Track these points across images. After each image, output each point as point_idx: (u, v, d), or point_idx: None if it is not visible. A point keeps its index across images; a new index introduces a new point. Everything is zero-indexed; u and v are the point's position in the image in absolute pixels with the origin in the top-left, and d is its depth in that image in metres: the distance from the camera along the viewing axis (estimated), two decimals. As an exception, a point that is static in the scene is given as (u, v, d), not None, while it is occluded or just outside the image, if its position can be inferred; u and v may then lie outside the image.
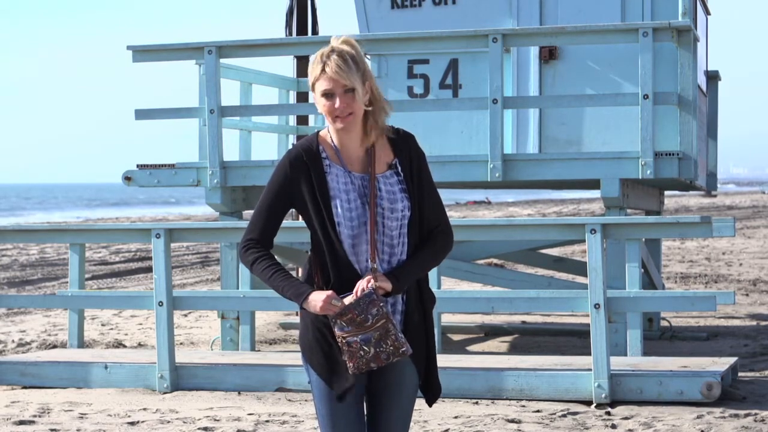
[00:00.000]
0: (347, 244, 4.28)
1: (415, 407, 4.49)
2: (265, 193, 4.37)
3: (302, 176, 4.32)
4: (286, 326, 13.15)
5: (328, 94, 4.26)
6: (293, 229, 9.23)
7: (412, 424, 4.51)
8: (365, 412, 4.43)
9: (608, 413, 8.40)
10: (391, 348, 4.23)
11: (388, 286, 4.25)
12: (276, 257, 4.42)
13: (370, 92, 4.31)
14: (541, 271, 16.66)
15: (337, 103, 4.26)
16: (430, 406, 4.51)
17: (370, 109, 4.32)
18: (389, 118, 4.39)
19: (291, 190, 4.33)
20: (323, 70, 4.25)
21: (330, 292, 4.24)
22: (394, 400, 4.38)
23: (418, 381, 4.40)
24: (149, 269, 20.02)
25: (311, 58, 4.33)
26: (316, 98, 4.31)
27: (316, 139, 4.38)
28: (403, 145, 4.40)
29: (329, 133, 4.37)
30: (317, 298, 4.24)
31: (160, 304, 9.55)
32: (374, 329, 4.23)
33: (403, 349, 4.24)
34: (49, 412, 8.67)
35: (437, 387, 4.45)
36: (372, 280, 4.23)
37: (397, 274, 4.28)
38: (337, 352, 4.30)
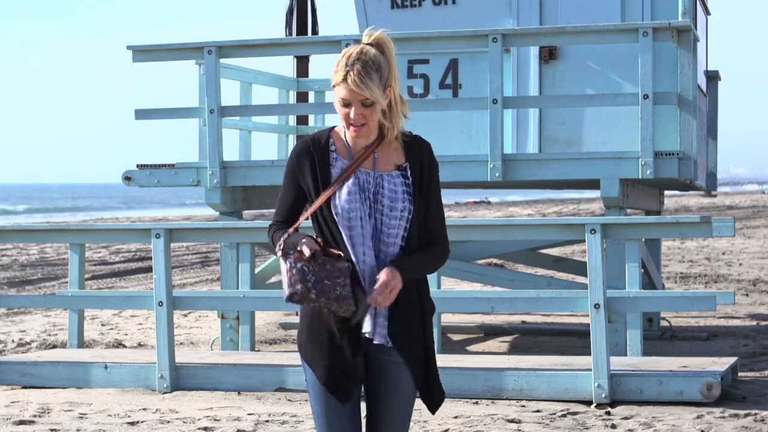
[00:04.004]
0: (345, 235, 4.30)
1: (415, 407, 4.49)
2: (283, 181, 4.44)
3: (307, 166, 4.36)
4: (286, 326, 13.15)
5: (346, 103, 4.28)
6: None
7: (411, 424, 4.50)
8: (363, 413, 4.43)
9: (608, 413, 8.40)
10: (333, 295, 4.19)
11: (398, 284, 4.25)
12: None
13: (391, 96, 4.31)
14: (541, 271, 16.66)
15: (353, 114, 4.27)
16: (433, 413, 4.50)
17: (386, 111, 4.32)
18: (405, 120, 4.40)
19: (299, 177, 4.38)
20: (345, 78, 4.25)
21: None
22: (391, 400, 4.37)
23: (416, 385, 4.39)
24: (149, 269, 20.01)
25: (339, 56, 4.29)
26: (334, 99, 4.32)
27: (328, 133, 4.41)
28: (417, 150, 4.40)
29: (344, 128, 4.39)
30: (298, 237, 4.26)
31: (160, 304, 9.55)
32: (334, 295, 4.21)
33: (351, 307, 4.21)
34: (49, 412, 8.67)
35: (439, 394, 4.44)
36: (384, 285, 4.23)
37: (403, 267, 4.28)
38: (335, 349, 4.30)
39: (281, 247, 4.25)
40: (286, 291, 4.23)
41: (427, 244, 4.39)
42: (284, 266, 4.24)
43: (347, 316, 4.23)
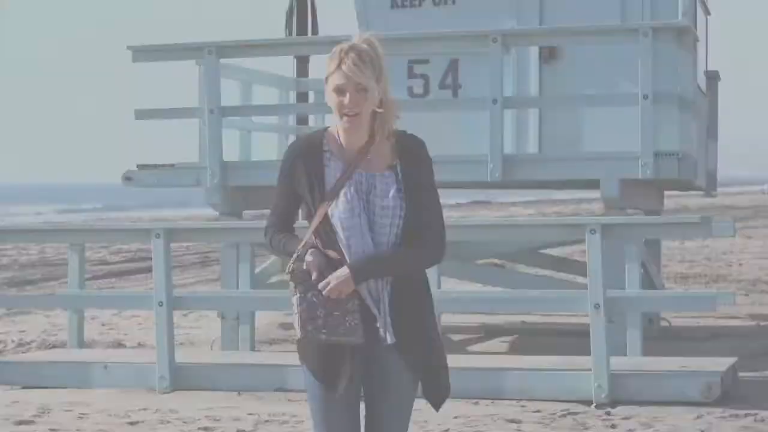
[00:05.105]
0: (341, 235, 4.28)
1: (415, 407, 4.48)
2: (277, 183, 4.42)
3: (301, 167, 4.35)
4: (286, 326, 13.15)
5: (340, 90, 4.27)
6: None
7: (411, 424, 4.49)
8: (363, 413, 4.42)
9: (608, 413, 8.39)
10: (342, 330, 4.23)
11: (348, 288, 4.23)
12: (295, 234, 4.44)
13: (383, 95, 4.31)
14: (541, 271, 16.64)
15: (347, 100, 4.26)
16: (437, 410, 4.49)
17: (380, 111, 4.31)
18: (397, 120, 4.39)
19: (293, 180, 4.37)
20: (339, 65, 4.26)
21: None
22: (390, 400, 4.36)
23: (415, 385, 4.38)
24: (149, 269, 19.96)
25: (330, 52, 4.32)
26: (327, 92, 4.32)
27: (322, 133, 4.41)
28: (408, 148, 4.38)
29: (337, 128, 4.38)
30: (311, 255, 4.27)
31: (160, 304, 9.55)
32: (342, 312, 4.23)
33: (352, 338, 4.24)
34: (49, 412, 8.67)
35: (443, 391, 4.41)
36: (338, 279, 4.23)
37: (357, 268, 4.24)
38: (332, 352, 4.29)
39: (290, 270, 4.28)
40: (298, 332, 4.28)
41: (417, 238, 4.33)
42: (294, 298, 4.27)
43: (357, 344, 4.26)
